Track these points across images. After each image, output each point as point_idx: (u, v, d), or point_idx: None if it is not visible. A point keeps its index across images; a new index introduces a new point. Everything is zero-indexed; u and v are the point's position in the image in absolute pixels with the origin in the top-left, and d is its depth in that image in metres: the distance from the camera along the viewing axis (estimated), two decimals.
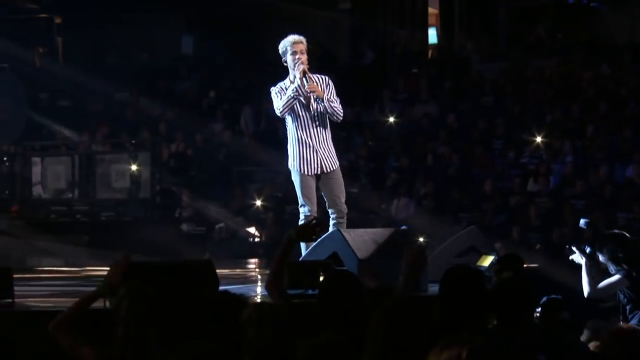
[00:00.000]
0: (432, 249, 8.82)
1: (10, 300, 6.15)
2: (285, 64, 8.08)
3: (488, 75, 17.25)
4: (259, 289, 8.63)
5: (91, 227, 14.93)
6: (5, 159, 15.63)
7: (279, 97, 7.97)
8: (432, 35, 19.46)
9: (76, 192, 15.93)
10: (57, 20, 19.38)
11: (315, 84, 7.95)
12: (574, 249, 7.41)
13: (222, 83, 18.74)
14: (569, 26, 18.46)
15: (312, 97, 7.96)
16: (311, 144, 7.90)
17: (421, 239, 7.30)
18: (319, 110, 7.95)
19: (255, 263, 13.42)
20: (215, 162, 16.79)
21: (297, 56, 7.99)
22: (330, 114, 8.01)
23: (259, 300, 3.65)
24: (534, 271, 8.53)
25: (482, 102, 16.71)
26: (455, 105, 16.61)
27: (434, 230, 13.20)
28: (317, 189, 8.07)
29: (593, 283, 7.25)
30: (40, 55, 18.91)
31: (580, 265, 7.37)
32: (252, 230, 15.30)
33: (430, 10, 19.48)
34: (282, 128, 8.31)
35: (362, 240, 7.52)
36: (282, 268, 4.49)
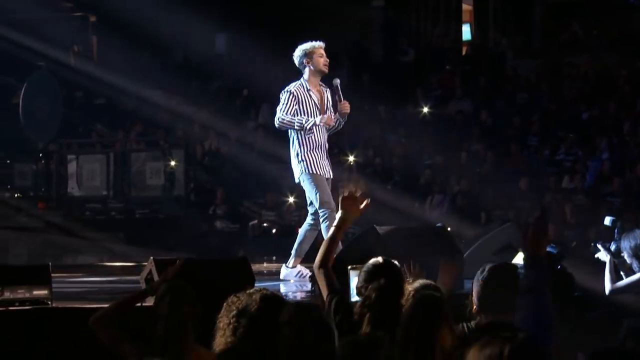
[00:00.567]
0: (466, 246, 8.78)
1: (48, 296, 6.18)
2: (301, 65, 8.03)
3: (523, 72, 17.15)
4: (293, 287, 8.64)
5: (126, 224, 15.04)
6: (41, 156, 15.78)
7: (288, 106, 7.92)
8: (466, 32, 19.38)
9: (111, 189, 16.06)
10: (92, 19, 19.53)
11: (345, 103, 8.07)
12: (599, 246, 7.35)
13: (255, 81, 18.77)
14: (604, 22, 18.31)
15: (331, 109, 8.08)
16: (324, 150, 8.06)
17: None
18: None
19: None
20: (249, 159, 16.83)
21: (323, 59, 8.11)
22: (337, 127, 8.21)
23: (297, 301, 3.62)
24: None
25: (516, 99, 16.61)
26: (489, 102, 16.53)
27: (468, 228, 13.15)
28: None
29: (615, 281, 7.19)
30: (76, 54, 19.05)
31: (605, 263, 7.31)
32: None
33: (465, 6, 19.40)
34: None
35: (397, 237, 7.49)
36: (333, 249, 4.37)
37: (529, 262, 3.89)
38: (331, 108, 8.23)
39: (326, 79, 8.39)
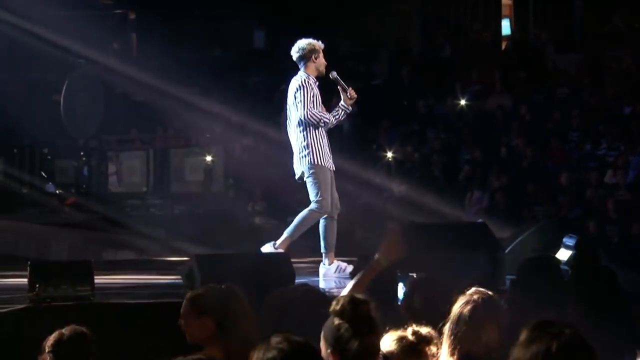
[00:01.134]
0: (507, 242, 8.72)
1: (90, 292, 6.23)
2: (305, 59, 8.09)
3: (563, 66, 16.99)
4: (333, 283, 8.63)
5: (165, 220, 15.11)
6: (82, 153, 15.90)
7: (312, 100, 7.95)
8: (506, 27, 19.24)
9: (150, 185, 16.15)
10: (131, 16, 19.63)
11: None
12: None
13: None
14: None
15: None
16: (328, 144, 8.12)
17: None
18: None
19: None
20: (287, 155, 16.83)
21: (324, 61, 8.17)
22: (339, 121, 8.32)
23: (348, 293, 3.58)
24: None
25: (557, 93, 16.46)
26: (529, 97, 16.39)
27: (509, 224, 13.05)
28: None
29: None
30: (115, 51, 19.17)
31: None
32: None
33: (504, 1, 19.25)
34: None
35: (437, 233, 7.46)
36: (360, 290, 4.23)
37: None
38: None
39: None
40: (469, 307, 3.92)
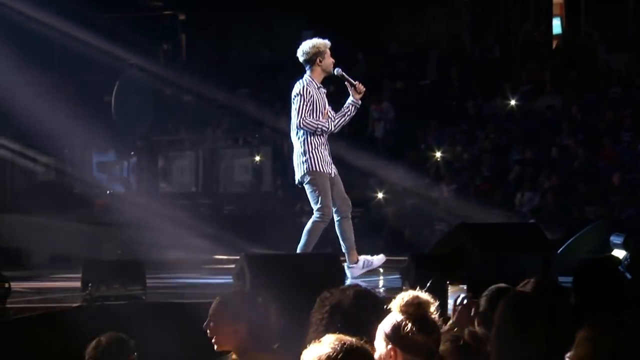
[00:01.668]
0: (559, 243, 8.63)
1: (142, 291, 6.26)
2: (311, 62, 7.98)
3: (615, 66, 16.77)
4: (380, 282, 8.61)
5: (214, 220, 15.16)
6: (132, 153, 16.02)
7: (308, 108, 7.88)
8: (557, 26, 19.04)
9: (200, 186, 16.23)
10: (181, 17, 19.76)
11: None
12: None
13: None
14: None
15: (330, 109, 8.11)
16: (328, 147, 8.07)
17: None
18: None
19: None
20: (335, 155, 16.82)
21: (331, 60, 8.08)
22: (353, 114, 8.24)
23: (414, 292, 3.56)
24: None
25: (609, 93, 16.25)
26: (580, 97, 16.21)
27: (560, 224, 12.92)
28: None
29: None
30: (165, 52, 19.30)
31: None
32: None
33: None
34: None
35: (488, 234, 7.40)
36: None
37: None
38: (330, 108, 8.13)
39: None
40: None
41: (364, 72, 18.73)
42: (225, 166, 16.28)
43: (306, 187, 7.97)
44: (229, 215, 15.35)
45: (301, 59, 7.99)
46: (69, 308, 6.27)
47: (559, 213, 13.60)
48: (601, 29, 17.93)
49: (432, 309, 3.43)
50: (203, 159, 16.27)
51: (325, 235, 14.96)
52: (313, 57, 7.93)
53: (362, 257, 8.20)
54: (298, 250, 8.01)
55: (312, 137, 7.89)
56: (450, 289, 4.48)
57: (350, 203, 8.19)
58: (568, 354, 3.08)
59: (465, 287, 4.36)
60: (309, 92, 7.91)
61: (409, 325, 3.37)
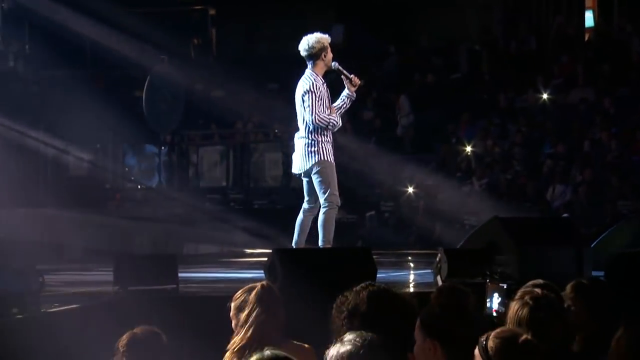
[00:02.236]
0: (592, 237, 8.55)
1: (175, 285, 6.28)
2: (314, 57, 8.04)
3: None
4: (411, 277, 8.58)
5: (245, 214, 15.19)
6: (163, 148, 16.08)
7: (320, 104, 7.94)
8: (589, 19, 18.87)
9: (231, 180, 16.26)
10: (211, 12, 19.78)
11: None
12: None
13: (371, 72, 18.73)
14: None
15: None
16: (332, 140, 8.19)
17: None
18: None
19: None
20: (365, 149, 16.80)
21: (331, 54, 8.13)
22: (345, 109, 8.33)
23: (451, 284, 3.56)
24: None
25: None
26: (613, 90, 16.06)
27: (593, 218, 12.82)
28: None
29: None
30: (195, 47, 19.33)
31: None
32: None
33: None
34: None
35: (521, 228, 7.34)
36: None
37: None
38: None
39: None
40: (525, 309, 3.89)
41: (395, 66, 18.69)
42: (255, 160, 16.30)
43: (314, 176, 8.05)
44: (259, 210, 15.37)
45: (305, 54, 8.08)
46: (101, 302, 6.29)
47: (592, 207, 13.49)
48: (634, 21, 17.75)
49: (471, 301, 3.42)
50: (233, 153, 16.29)
51: (354, 231, 14.99)
52: (318, 52, 8.03)
53: None
54: (322, 244, 8.05)
55: (321, 131, 8.02)
56: (489, 287, 4.46)
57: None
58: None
59: (505, 287, 4.34)
60: (318, 88, 8.03)
61: (448, 318, 3.35)
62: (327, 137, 8.07)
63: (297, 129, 8.22)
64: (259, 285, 4.63)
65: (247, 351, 4.33)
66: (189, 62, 18.46)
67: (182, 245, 14.10)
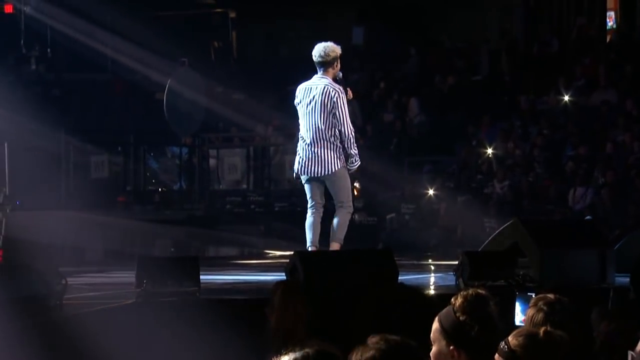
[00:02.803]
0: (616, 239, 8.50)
1: (196, 288, 6.28)
2: (329, 65, 8.17)
3: None
4: (432, 279, 8.55)
5: (265, 217, 15.20)
6: (184, 151, 16.12)
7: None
8: (611, 20, 18.77)
9: (251, 183, 16.27)
10: (232, 15, 19.82)
11: None
12: None
13: (392, 73, 18.70)
14: None
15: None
16: None
17: None
18: None
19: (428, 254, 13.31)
20: (387, 152, 16.77)
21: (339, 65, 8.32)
22: None
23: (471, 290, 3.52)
24: None
25: None
26: (636, 91, 15.95)
27: (615, 221, 12.73)
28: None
29: None
30: (216, 50, 19.38)
31: None
32: None
33: None
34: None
35: (544, 230, 7.30)
36: None
37: None
38: None
39: None
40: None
41: (416, 67, 18.64)
42: (276, 163, 16.31)
43: (337, 180, 8.15)
44: (280, 212, 15.37)
45: (320, 60, 8.21)
46: (124, 304, 6.30)
47: (615, 210, 13.40)
48: None
49: (495, 308, 3.38)
50: (254, 156, 16.31)
51: (375, 233, 14.94)
52: (332, 61, 8.22)
53: None
54: (334, 242, 8.11)
55: (338, 139, 8.18)
56: (517, 295, 4.45)
57: None
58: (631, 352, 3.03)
59: (533, 295, 4.32)
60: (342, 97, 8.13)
61: (476, 327, 3.32)
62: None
63: (310, 131, 8.24)
64: (280, 283, 4.64)
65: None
66: (210, 65, 18.51)
67: (203, 247, 14.12)
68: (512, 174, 15.32)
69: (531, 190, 14.87)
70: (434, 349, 3.41)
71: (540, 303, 4.01)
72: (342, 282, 6.24)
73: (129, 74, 17.04)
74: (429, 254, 12.80)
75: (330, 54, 8.17)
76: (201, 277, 6.57)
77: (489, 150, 15.64)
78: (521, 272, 6.60)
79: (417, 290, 4.12)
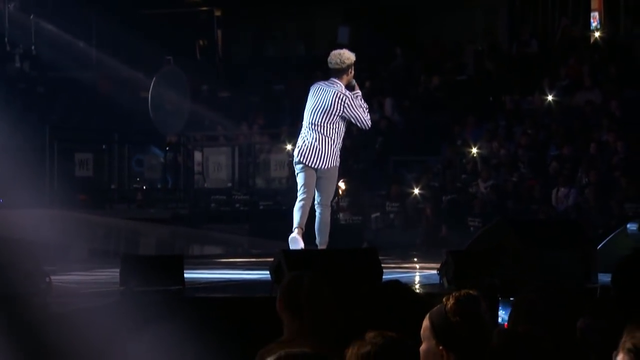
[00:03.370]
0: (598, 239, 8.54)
1: (181, 287, 6.27)
2: (342, 72, 8.26)
3: None
4: (417, 278, 8.57)
5: (250, 215, 15.19)
6: (168, 149, 16.09)
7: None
8: (595, 20, 18.85)
9: (236, 181, 16.26)
10: (217, 13, 19.80)
11: None
12: None
13: (378, 73, 18.73)
14: None
15: None
16: None
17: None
18: None
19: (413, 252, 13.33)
20: (372, 151, 16.80)
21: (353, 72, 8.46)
22: None
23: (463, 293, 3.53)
24: None
25: None
26: (619, 92, 16.03)
27: (599, 220, 12.80)
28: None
29: None
30: (201, 48, 19.35)
31: None
32: None
33: None
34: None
35: (527, 230, 7.33)
36: None
37: None
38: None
39: None
40: None
41: (401, 67, 18.68)
42: (261, 162, 16.30)
43: (329, 177, 8.20)
44: (264, 211, 15.37)
45: (335, 66, 8.28)
46: (108, 303, 6.29)
47: (598, 209, 13.46)
48: None
49: (485, 310, 3.40)
50: (239, 154, 16.30)
51: (359, 232, 14.96)
52: (346, 68, 8.30)
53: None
54: (321, 245, 8.15)
55: (341, 138, 8.31)
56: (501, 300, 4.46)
57: None
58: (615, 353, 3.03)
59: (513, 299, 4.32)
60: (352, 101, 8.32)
61: (467, 329, 3.33)
62: None
63: (314, 126, 8.29)
64: (299, 277, 4.53)
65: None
66: (195, 63, 18.48)
67: (188, 246, 14.11)
68: (496, 173, 15.37)
69: (515, 189, 14.92)
70: (423, 346, 3.42)
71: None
72: (326, 280, 6.23)
73: (113, 72, 17.01)
74: (414, 253, 12.82)
75: (346, 61, 8.29)
76: (185, 275, 6.56)
77: (474, 150, 15.69)
78: (504, 272, 6.62)
79: (409, 288, 4.13)
